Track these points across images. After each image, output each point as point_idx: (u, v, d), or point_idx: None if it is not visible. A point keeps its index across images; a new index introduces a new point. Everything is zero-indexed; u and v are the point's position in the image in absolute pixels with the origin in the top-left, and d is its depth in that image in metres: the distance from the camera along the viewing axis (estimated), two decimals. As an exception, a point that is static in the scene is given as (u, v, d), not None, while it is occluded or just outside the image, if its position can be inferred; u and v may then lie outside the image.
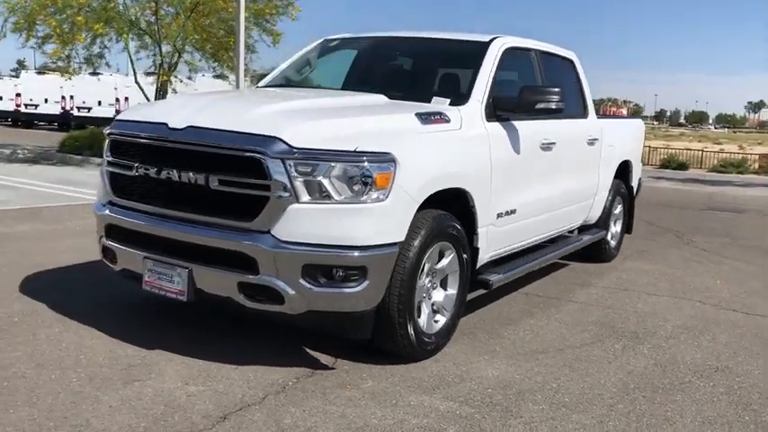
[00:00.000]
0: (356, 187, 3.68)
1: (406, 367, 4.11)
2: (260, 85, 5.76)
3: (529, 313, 5.41)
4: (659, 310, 5.70)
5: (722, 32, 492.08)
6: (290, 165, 3.61)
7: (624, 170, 7.63)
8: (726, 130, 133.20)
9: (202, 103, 4.31)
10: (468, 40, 5.43)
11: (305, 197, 3.65)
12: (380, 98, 4.68)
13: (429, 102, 4.72)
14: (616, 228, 7.70)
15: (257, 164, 3.62)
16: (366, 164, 3.69)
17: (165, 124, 3.93)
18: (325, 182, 3.65)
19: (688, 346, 4.85)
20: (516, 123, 5.01)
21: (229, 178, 3.71)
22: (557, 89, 4.88)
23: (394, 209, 3.80)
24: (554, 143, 5.57)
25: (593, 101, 7.04)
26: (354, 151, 3.69)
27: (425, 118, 4.26)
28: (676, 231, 9.95)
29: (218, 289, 3.86)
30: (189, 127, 3.86)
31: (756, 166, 23.99)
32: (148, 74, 17.74)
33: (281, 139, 3.63)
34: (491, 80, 4.93)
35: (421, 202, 3.97)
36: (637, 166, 8.11)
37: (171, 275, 3.93)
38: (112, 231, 4.28)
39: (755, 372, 4.43)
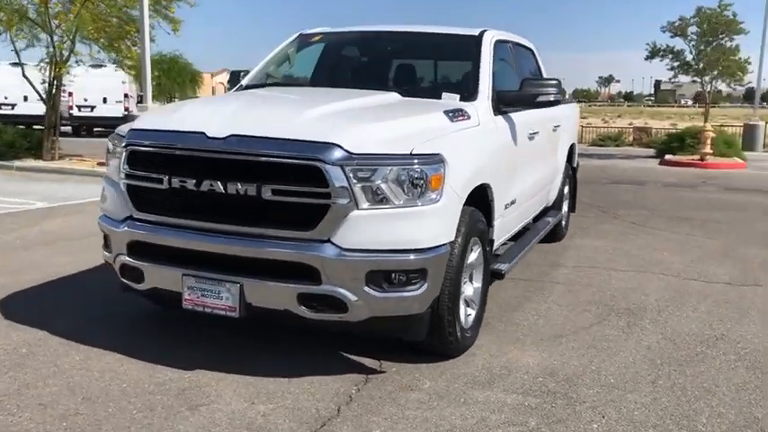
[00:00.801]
0: (413, 190, 3.66)
1: (451, 363, 4.16)
2: (244, 83, 5.48)
3: (525, 298, 5.60)
4: (635, 286, 6.07)
5: (576, 12, 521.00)
6: (349, 171, 3.53)
7: (570, 153, 8.00)
8: (582, 104, 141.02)
9: (236, 109, 4.11)
10: (459, 34, 5.49)
11: (364, 203, 3.58)
12: (396, 96, 4.65)
13: (439, 98, 4.74)
14: (565, 208, 8.08)
15: (316, 171, 3.51)
16: (421, 166, 3.67)
17: (203, 133, 3.71)
18: (384, 186, 3.60)
19: (679, 318, 5.22)
20: (513, 116, 5.15)
21: (284, 187, 3.57)
22: (555, 81, 5.05)
23: (446, 209, 3.81)
24: (537, 132, 5.77)
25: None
26: (410, 154, 3.66)
27: (452, 116, 4.29)
28: (599, 206, 10.56)
29: (274, 302, 3.72)
30: (231, 136, 3.66)
31: (631, 138, 25.79)
32: (14, 64, 16.47)
33: (339, 146, 3.54)
34: (491, 74, 5.02)
35: (464, 199, 4.01)
36: (576, 147, 8.53)
37: (218, 291, 3.73)
38: (137, 249, 3.99)
39: (749, 336, 4.84)
